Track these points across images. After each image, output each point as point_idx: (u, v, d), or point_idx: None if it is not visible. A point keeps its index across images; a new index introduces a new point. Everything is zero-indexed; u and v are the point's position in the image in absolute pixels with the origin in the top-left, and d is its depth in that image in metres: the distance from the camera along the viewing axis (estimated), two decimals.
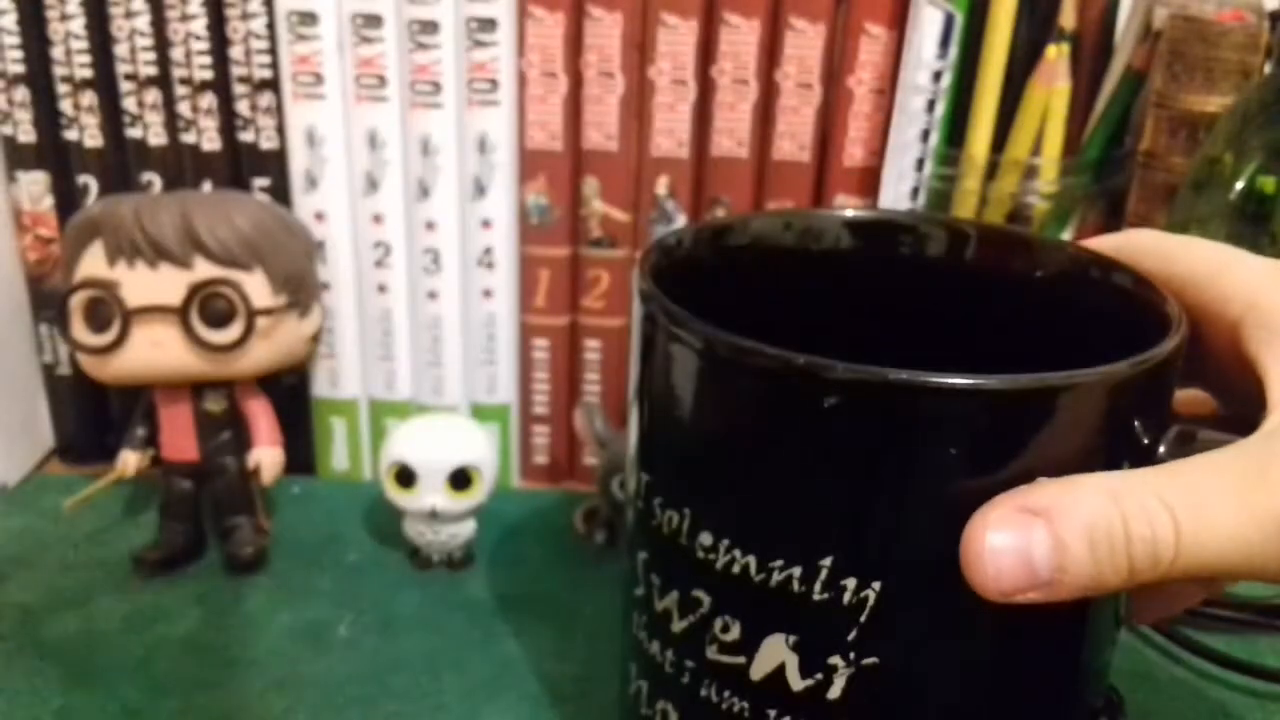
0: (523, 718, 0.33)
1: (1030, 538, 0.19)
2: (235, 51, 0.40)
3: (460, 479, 0.38)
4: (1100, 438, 0.21)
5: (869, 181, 0.41)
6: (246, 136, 0.42)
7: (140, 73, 0.41)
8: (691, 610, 0.24)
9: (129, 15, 0.40)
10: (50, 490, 0.44)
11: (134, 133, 0.42)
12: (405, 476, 0.38)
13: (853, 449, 0.21)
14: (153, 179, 0.42)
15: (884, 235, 0.29)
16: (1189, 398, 0.25)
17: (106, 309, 0.38)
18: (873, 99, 0.40)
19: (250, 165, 0.42)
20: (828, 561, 0.21)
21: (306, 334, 0.42)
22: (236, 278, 0.38)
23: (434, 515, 0.39)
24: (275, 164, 0.42)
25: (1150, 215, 0.42)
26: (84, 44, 0.41)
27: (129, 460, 0.40)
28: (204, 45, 0.40)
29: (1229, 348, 0.23)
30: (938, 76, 0.39)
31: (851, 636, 0.21)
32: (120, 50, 0.41)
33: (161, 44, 0.40)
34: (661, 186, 0.42)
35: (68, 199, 0.43)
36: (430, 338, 0.44)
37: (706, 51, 0.40)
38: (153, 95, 0.41)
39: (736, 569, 0.22)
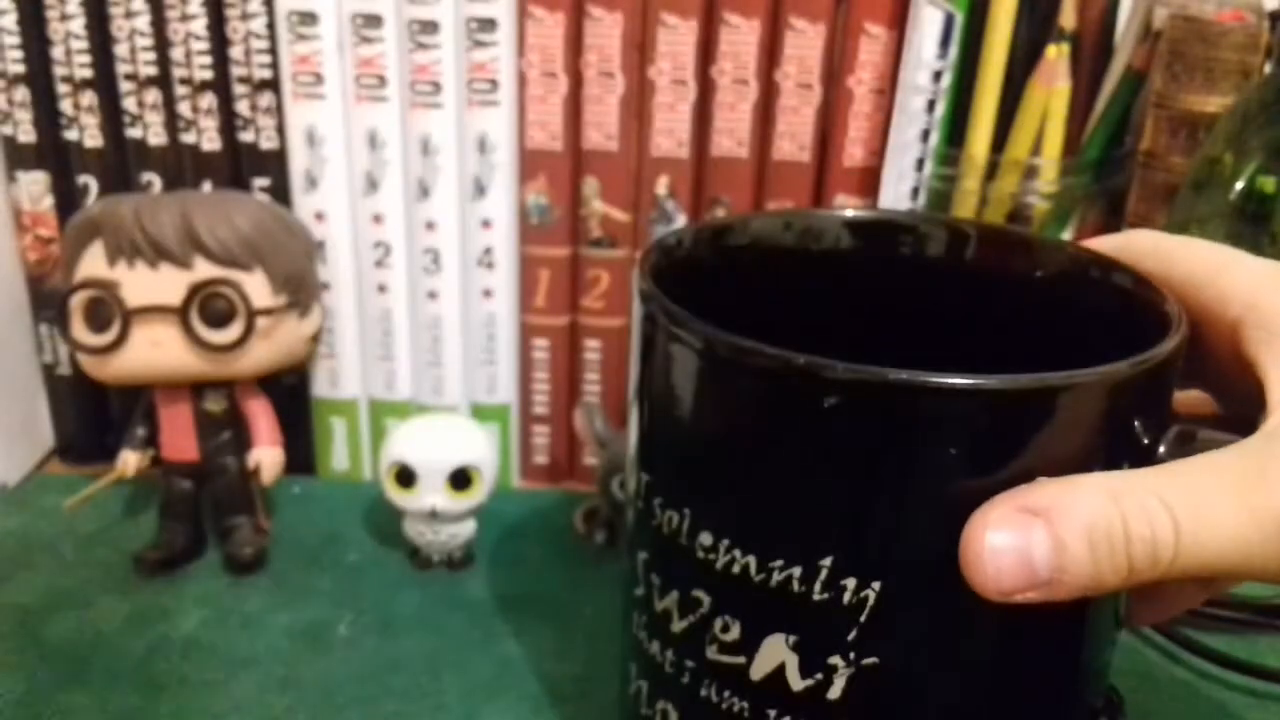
0: (523, 718, 0.33)
1: (1030, 538, 0.19)
2: (235, 51, 0.40)
3: (460, 479, 0.38)
4: (1100, 438, 0.21)
5: (869, 181, 0.41)
6: (246, 136, 0.42)
7: (140, 73, 0.41)
8: (691, 610, 0.24)
9: (129, 15, 0.40)
10: (50, 490, 0.44)
11: (134, 133, 0.42)
12: (405, 476, 0.39)
13: (853, 449, 0.21)
14: (153, 179, 0.42)
15: (884, 235, 0.29)
16: (1189, 398, 0.25)
17: (106, 309, 0.38)
18: (873, 99, 0.40)
19: (250, 165, 0.42)
20: (828, 561, 0.21)
21: (306, 334, 0.42)
22: (236, 278, 0.38)
23: (434, 515, 0.39)
24: (275, 164, 0.42)
25: (1150, 215, 0.42)
26: (84, 44, 0.41)
27: (129, 460, 0.40)
28: (204, 45, 0.40)
29: (1229, 348, 0.23)
30: (938, 76, 0.39)
31: (851, 636, 0.21)
32: (120, 50, 0.41)
33: (161, 44, 0.40)
34: (661, 186, 0.42)
35: (68, 199, 0.43)
36: (430, 338, 0.44)
37: (706, 51, 0.40)
38: (153, 95, 0.41)
39: (736, 569, 0.22)
